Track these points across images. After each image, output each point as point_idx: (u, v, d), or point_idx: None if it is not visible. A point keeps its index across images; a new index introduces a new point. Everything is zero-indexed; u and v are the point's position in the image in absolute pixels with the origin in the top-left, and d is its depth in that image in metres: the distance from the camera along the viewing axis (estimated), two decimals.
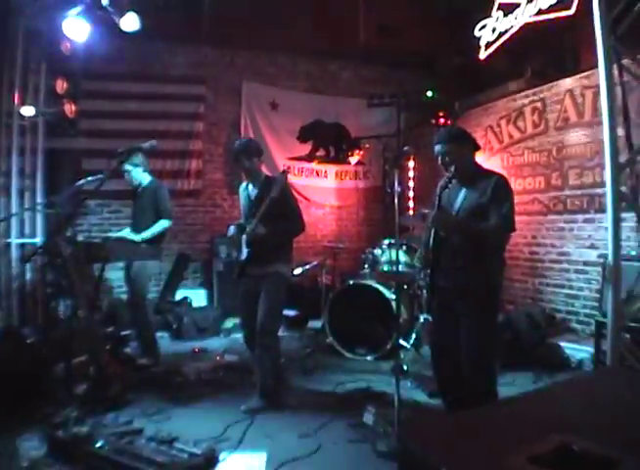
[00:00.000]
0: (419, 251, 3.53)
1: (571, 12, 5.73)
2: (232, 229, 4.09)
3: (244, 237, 3.91)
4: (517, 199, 6.11)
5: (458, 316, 3.15)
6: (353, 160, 7.96)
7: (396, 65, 8.18)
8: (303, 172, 8.08)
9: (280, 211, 3.81)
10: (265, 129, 7.76)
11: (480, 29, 6.78)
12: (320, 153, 8.20)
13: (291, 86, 7.96)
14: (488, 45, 6.71)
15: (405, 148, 7.76)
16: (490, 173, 3.26)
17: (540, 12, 6.06)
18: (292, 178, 7.91)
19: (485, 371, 3.16)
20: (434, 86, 7.59)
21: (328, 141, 8.22)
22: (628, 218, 4.55)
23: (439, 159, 3.25)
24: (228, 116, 7.61)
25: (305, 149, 8.08)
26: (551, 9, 5.92)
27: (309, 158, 8.09)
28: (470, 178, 3.22)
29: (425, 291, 3.34)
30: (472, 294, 3.08)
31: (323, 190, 8.21)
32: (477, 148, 3.36)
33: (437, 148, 3.24)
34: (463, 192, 3.24)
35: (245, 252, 3.92)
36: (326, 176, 8.24)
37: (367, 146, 7.99)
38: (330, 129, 8.19)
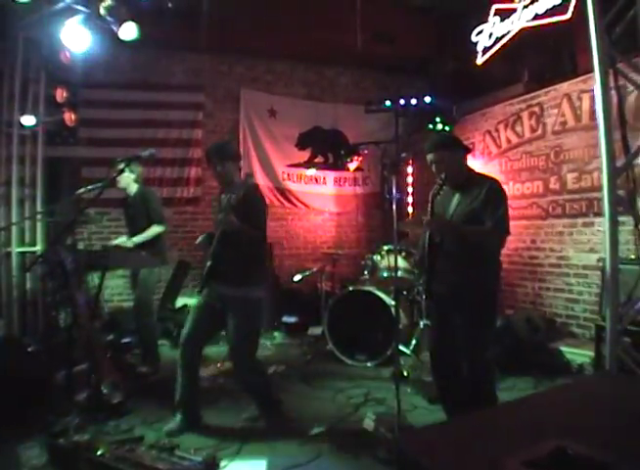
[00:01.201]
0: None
1: (568, 16, 5.77)
2: (201, 237, 3.72)
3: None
4: (515, 203, 6.21)
5: (455, 320, 3.17)
6: (352, 166, 7.97)
7: (393, 70, 8.23)
8: (302, 179, 8.10)
9: (242, 218, 3.40)
10: (264, 137, 7.80)
11: (477, 35, 6.83)
12: (319, 159, 8.23)
13: (289, 93, 8.00)
14: (485, 50, 6.76)
15: (403, 154, 7.84)
16: (484, 178, 3.28)
17: (537, 17, 6.10)
18: (291, 185, 7.97)
19: (484, 375, 3.17)
20: (432, 92, 7.63)
21: (326, 147, 8.26)
22: (627, 222, 4.56)
23: (433, 166, 3.28)
24: (227, 123, 7.65)
25: (304, 156, 8.11)
26: (547, 13, 5.96)
27: (308, 164, 8.11)
28: (463, 184, 3.25)
29: (423, 296, 3.35)
30: (467, 297, 3.10)
31: (322, 196, 8.23)
32: (467, 152, 3.39)
33: (429, 156, 3.27)
34: (456, 197, 3.27)
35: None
36: (325, 183, 8.27)
37: (366, 152, 7.99)
38: (328, 136, 8.23)
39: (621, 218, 3.78)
